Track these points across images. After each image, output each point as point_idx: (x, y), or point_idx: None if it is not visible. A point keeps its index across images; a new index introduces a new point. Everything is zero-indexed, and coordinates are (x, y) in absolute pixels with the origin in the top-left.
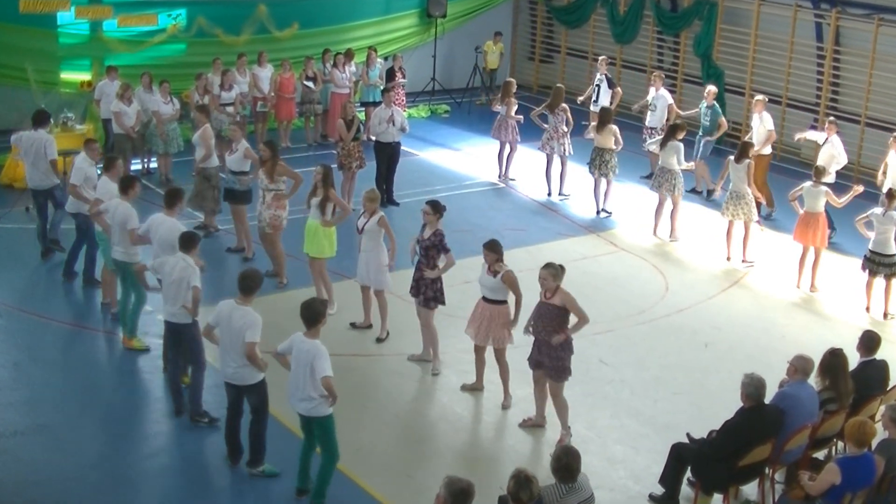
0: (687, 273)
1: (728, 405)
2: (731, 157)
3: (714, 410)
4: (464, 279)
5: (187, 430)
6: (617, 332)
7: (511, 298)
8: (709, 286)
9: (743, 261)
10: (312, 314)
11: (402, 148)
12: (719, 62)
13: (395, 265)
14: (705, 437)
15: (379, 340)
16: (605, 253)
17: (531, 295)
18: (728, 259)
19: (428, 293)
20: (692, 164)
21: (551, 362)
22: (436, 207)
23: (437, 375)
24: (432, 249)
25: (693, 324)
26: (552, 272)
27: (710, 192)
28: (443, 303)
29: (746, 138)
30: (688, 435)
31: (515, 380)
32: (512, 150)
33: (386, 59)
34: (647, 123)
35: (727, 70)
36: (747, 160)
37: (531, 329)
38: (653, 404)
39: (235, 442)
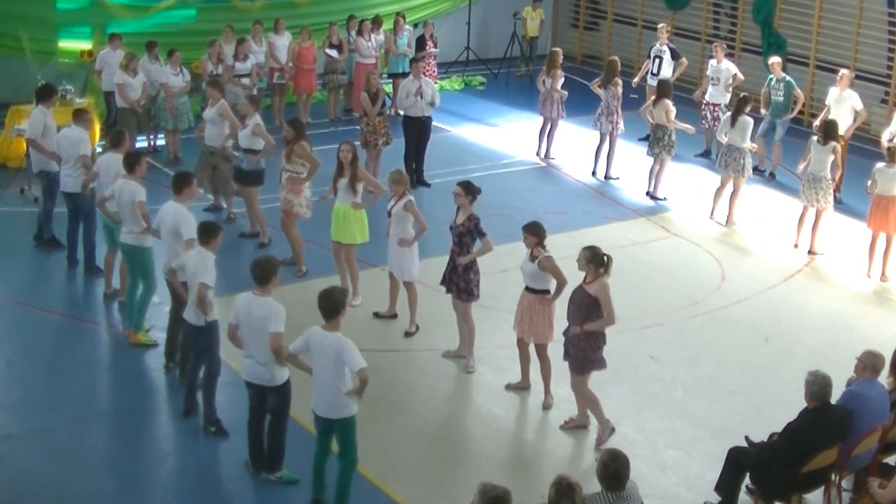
0: (746, 261)
1: (790, 406)
2: (815, 138)
3: (775, 411)
4: (501, 267)
5: (198, 432)
6: (668, 325)
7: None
8: (770, 275)
9: (810, 251)
10: (332, 304)
11: (434, 123)
12: (781, 30)
13: (413, 247)
14: (765, 440)
15: (408, 335)
16: (655, 238)
17: (576, 284)
18: (796, 246)
19: (460, 284)
20: (754, 145)
21: (574, 352)
22: (468, 189)
23: (471, 373)
24: (466, 236)
25: (752, 316)
26: (588, 255)
27: (772, 175)
28: (475, 296)
29: (829, 117)
30: (746, 438)
31: (558, 377)
32: (553, 127)
33: (415, 26)
34: (707, 98)
35: (789, 39)
36: (833, 143)
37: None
38: (708, 405)
39: (259, 448)
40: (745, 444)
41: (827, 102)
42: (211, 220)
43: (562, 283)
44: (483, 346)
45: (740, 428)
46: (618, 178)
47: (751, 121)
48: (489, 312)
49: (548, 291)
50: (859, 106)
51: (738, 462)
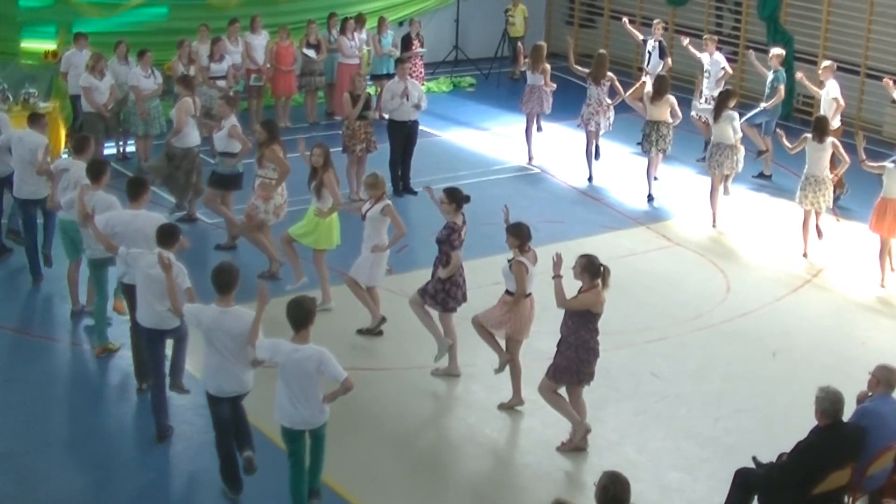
0: (751, 271)
1: (800, 423)
2: (808, 136)
3: (784, 430)
4: (494, 280)
5: (174, 457)
6: (671, 339)
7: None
8: (777, 286)
9: (804, 254)
10: (302, 313)
11: (421, 128)
12: (787, 26)
13: (387, 253)
14: (774, 460)
15: (362, 332)
16: (656, 248)
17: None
18: (805, 255)
19: (428, 288)
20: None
21: (559, 359)
22: (453, 196)
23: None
24: (445, 244)
25: (759, 329)
26: (584, 263)
27: (765, 175)
28: (448, 308)
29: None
30: (754, 458)
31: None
32: (537, 125)
33: (401, 24)
34: (703, 90)
35: (797, 35)
36: (830, 138)
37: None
38: (713, 423)
39: (235, 469)
40: (752, 465)
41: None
42: (169, 223)
43: (521, 293)
44: (474, 363)
45: (748, 448)
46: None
47: (735, 115)
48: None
49: (527, 294)
50: (835, 94)
51: (746, 484)
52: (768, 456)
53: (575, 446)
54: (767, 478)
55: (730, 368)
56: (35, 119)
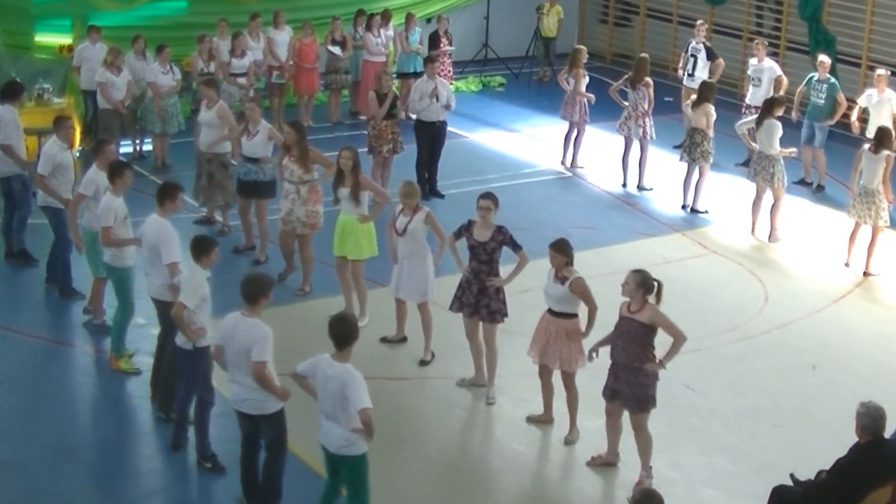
0: (791, 281)
1: (840, 440)
2: (866, 147)
3: (823, 446)
4: (521, 287)
5: (187, 467)
6: (706, 351)
7: (583, 311)
8: (817, 297)
9: (865, 273)
10: (345, 331)
11: (449, 128)
12: (829, 27)
13: (440, 267)
14: (813, 478)
15: (423, 363)
16: (692, 256)
17: (605, 307)
18: (847, 265)
19: (491, 305)
20: (793, 150)
21: (631, 390)
22: (497, 201)
23: (491, 405)
24: (498, 252)
25: (798, 341)
26: (639, 279)
27: (819, 187)
28: (505, 316)
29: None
30: (791, 476)
31: (584, 409)
32: (580, 132)
33: (428, 21)
34: (747, 101)
35: (839, 36)
36: (886, 151)
37: (596, 355)
38: (750, 439)
39: (253, 482)
40: (790, 483)
41: (861, 104)
42: (204, 234)
43: (593, 309)
44: (502, 374)
45: (785, 464)
46: (651, 189)
47: (778, 124)
48: (509, 337)
49: (575, 315)
50: None
51: (783, 502)
52: (806, 473)
53: (605, 462)
54: (805, 496)
55: (767, 382)
56: (60, 122)
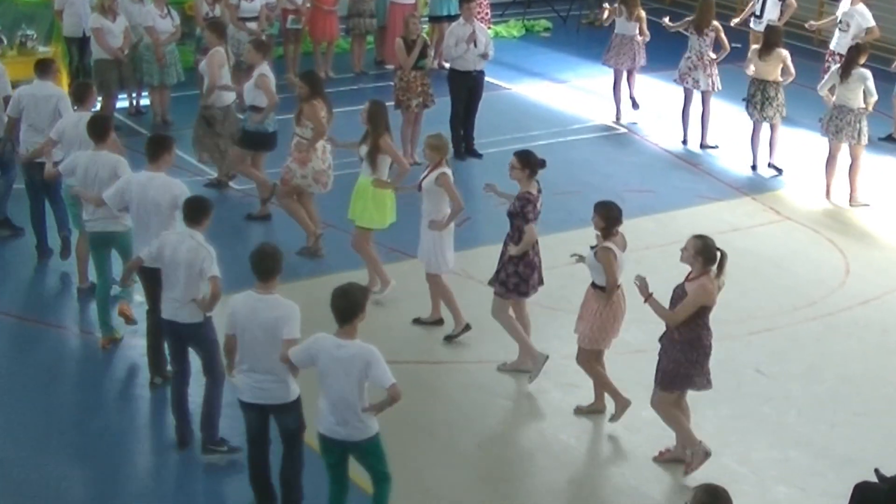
0: (874, 251)
1: None
2: None
3: None
4: (571, 260)
5: (194, 466)
6: (779, 330)
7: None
8: None
9: None
10: (349, 304)
11: (487, 79)
12: None
13: (446, 232)
14: None
15: (448, 338)
16: (763, 223)
17: (659, 283)
18: None
19: (500, 275)
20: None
21: (665, 363)
22: (526, 160)
23: (531, 381)
24: (518, 218)
25: (883, 320)
26: (699, 246)
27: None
28: (522, 293)
29: None
30: (876, 472)
31: (644, 397)
32: (630, 78)
33: None
34: (832, 47)
35: None
36: None
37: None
38: (828, 430)
39: (266, 483)
40: (874, 479)
41: None
42: (201, 196)
43: (612, 284)
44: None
45: (869, 459)
46: (716, 147)
47: (868, 73)
48: (555, 315)
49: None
50: None
51: (867, 501)
52: (893, 469)
53: (673, 457)
54: (892, 494)
55: (848, 366)
56: (44, 66)
